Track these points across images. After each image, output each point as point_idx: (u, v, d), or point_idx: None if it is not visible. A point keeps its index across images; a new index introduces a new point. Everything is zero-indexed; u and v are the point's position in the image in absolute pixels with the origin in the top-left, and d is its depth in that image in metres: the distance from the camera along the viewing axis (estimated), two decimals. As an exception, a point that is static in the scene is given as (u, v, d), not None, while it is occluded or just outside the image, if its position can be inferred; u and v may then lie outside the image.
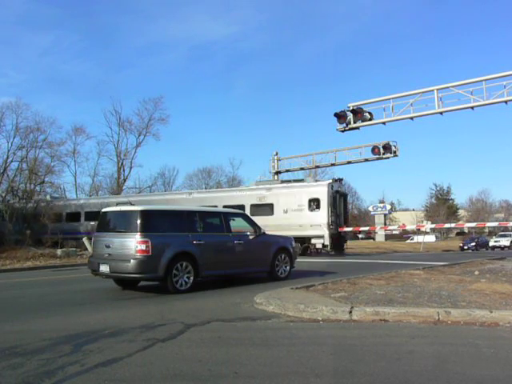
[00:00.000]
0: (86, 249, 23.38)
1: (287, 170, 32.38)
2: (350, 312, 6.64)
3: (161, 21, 76.92)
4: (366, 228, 38.67)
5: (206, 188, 52.77)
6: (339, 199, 24.76)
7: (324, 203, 23.20)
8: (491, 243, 40.57)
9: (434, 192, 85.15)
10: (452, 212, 78.31)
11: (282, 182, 28.01)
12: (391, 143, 26.41)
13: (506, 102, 19.25)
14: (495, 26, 75.55)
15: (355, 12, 77.15)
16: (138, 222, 9.57)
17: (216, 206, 21.84)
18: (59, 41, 75.21)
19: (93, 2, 73.56)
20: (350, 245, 28.21)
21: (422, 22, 72.10)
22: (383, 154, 26.47)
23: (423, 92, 21.15)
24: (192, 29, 77.56)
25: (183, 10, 78.65)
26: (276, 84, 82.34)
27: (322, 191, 23.55)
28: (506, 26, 75.56)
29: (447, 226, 22.61)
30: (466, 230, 68.36)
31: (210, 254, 10.43)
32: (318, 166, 33.12)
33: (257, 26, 78.82)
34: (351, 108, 22.56)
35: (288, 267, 12.16)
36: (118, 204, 11.31)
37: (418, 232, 53.50)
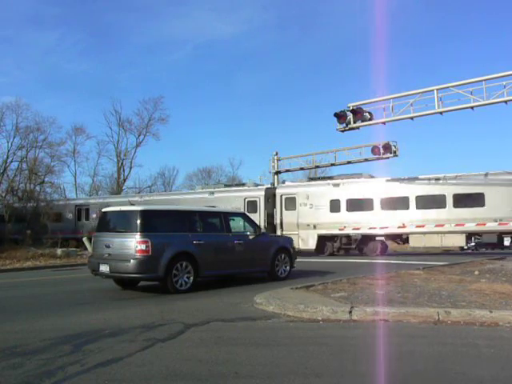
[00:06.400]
0: (86, 249, 23.38)
1: (287, 170, 32.34)
2: (350, 312, 6.64)
3: (165, 19, 76.52)
4: None
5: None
6: None
7: None
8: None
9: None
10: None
11: None
12: (391, 143, 26.38)
13: (506, 102, 19.22)
14: (495, 25, 75.71)
15: (357, 11, 77.21)
16: (138, 221, 9.57)
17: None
18: (63, 39, 74.77)
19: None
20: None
21: (422, 21, 72.41)
22: (383, 153, 26.44)
23: (423, 92, 21.09)
24: (196, 28, 77.17)
25: (188, 9, 78.39)
26: (276, 84, 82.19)
27: None
28: (506, 25, 75.76)
29: (447, 226, 22.54)
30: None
31: (210, 254, 10.43)
32: (317, 166, 33.05)
33: (261, 25, 78.35)
34: (351, 108, 22.48)
35: (288, 267, 12.16)
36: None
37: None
